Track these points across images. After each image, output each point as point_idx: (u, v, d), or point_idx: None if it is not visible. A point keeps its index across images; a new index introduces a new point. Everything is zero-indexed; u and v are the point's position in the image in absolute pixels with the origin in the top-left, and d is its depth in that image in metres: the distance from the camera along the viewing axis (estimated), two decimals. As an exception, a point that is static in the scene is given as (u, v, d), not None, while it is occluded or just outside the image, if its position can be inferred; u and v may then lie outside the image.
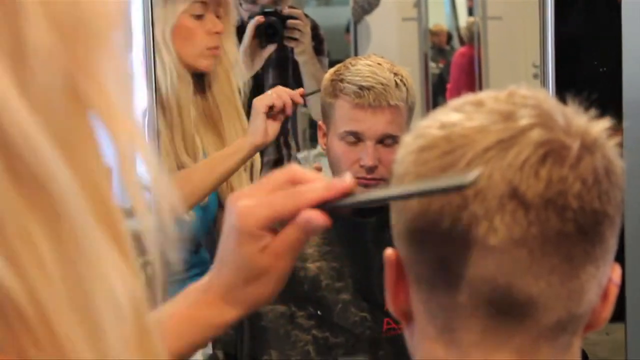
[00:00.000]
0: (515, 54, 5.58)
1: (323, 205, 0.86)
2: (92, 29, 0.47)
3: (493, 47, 5.73)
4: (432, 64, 6.14)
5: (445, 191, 0.76)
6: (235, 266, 0.91)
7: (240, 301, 0.93)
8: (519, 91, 0.82)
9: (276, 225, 0.89)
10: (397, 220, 0.82)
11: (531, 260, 0.76)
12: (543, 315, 0.78)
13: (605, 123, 0.80)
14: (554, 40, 1.86)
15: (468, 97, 0.83)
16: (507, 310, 0.77)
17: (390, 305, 0.86)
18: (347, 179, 0.86)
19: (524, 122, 0.77)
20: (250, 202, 0.89)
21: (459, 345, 0.80)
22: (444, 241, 0.77)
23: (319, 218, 0.86)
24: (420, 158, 0.80)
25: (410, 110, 1.92)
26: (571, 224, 0.75)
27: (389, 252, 0.84)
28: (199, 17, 2.26)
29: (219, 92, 2.34)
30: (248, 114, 2.71)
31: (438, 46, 6.85)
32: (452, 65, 6.35)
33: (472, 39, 5.94)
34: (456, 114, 0.80)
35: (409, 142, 0.82)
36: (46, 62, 0.45)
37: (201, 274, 0.99)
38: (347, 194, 0.86)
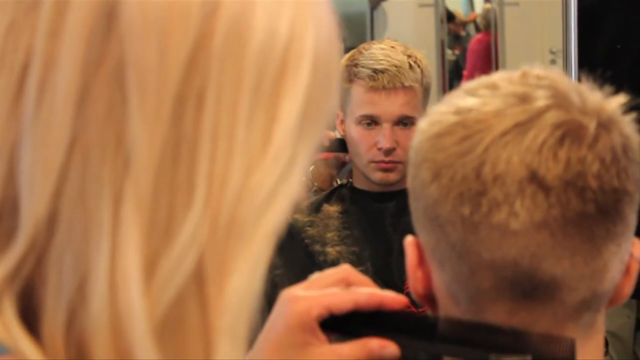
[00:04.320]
0: (532, 40, 5.56)
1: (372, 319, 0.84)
2: (245, 231, 0.49)
3: (510, 33, 5.71)
4: (448, 51, 6.13)
5: None
6: (277, 354, 0.86)
7: None
8: (532, 71, 0.82)
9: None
10: (416, 207, 0.82)
11: (553, 242, 0.76)
12: (567, 295, 0.78)
13: (620, 99, 0.80)
14: (576, 22, 1.85)
15: (481, 80, 0.83)
16: (531, 292, 0.77)
17: (412, 290, 0.86)
18: (402, 297, 0.85)
19: (539, 103, 0.77)
20: (303, 292, 0.86)
21: None
22: (465, 227, 0.77)
23: (393, 349, 0.83)
24: (437, 145, 0.79)
25: (426, 91, 1.92)
26: (592, 204, 0.75)
27: (409, 238, 0.84)
28: None
29: None
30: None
31: (454, 33, 6.84)
32: (468, 52, 6.34)
33: (489, 25, 5.92)
34: (471, 99, 0.80)
35: (424, 129, 0.81)
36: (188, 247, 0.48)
37: None
38: (401, 308, 0.84)
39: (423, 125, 0.82)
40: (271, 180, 0.49)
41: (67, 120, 0.47)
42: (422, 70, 1.90)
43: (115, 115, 0.47)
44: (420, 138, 0.82)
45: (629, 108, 0.80)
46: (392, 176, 1.90)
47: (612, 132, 0.77)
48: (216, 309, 0.48)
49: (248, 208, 0.48)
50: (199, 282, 0.48)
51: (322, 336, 0.84)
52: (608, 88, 0.80)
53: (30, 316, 0.49)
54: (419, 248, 0.84)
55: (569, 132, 0.76)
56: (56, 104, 0.47)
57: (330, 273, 0.88)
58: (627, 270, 0.81)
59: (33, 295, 0.49)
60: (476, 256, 0.77)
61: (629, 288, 0.82)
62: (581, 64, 1.76)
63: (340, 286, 0.86)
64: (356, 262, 1.89)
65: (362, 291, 0.85)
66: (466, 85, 0.83)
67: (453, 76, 6.29)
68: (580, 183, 0.75)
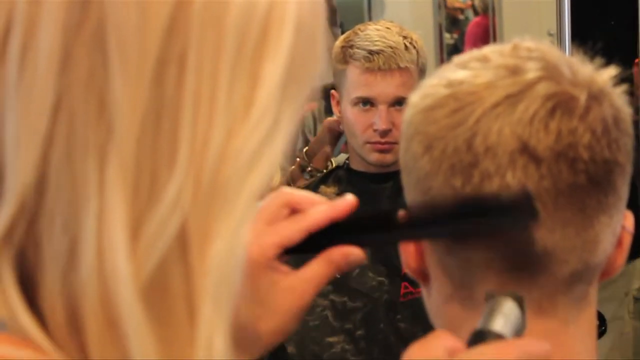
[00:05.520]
0: (530, 24, 5.55)
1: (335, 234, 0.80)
2: (228, 195, 0.49)
3: (507, 16, 5.70)
4: (446, 35, 6.12)
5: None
6: (243, 303, 0.80)
7: (248, 344, 0.82)
8: (523, 44, 0.82)
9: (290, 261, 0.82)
10: (408, 180, 0.82)
11: (545, 213, 0.76)
12: (559, 267, 0.78)
13: (611, 71, 0.80)
14: (569, 3, 1.85)
15: (473, 53, 0.83)
16: (522, 264, 0.78)
17: (405, 264, 0.86)
18: (349, 198, 0.82)
19: (530, 75, 0.77)
20: (251, 233, 0.79)
21: (475, 302, 0.80)
22: (456, 199, 0.77)
23: (358, 254, 0.80)
24: (428, 117, 0.79)
25: (422, 72, 1.92)
26: (583, 175, 0.75)
27: (400, 213, 0.84)
28: None
29: None
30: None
31: (452, 16, 6.82)
32: (466, 36, 6.33)
33: (487, 8, 5.91)
34: (462, 71, 0.80)
35: (416, 102, 0.82)
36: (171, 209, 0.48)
37: None
38: (352, 212, 0.81)
39: (414, 98, 0.82)
40: (254, 143, 0.49)
41: (50, 83, 0.47)
42: (417, 51, 1.90)
43: (97, 79, 0.47)
44: (411, 111, 0.82)
45: (620, 80, 0.80)
46: (389, 157, 1.90)
47: (603, 104, 0.77)
48: (199, 272, 0.49)
49: (231, 171, 0.49)
50: (183, 245, 0.48)
51: (283, 268, 0.82)
52: (599, 60, 0.80)
53: (25, 286, 0.49)
54: None
55: (560, 104, 0.76)
56: (38, 68, 0.47)
57: (270, 201, 0.83)
58: (619, 243, 0.81)
59: (26, 265, 0.49)
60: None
61: (621, 260, 0.82)
62: (575, 44, 1.77)
63: (286, 212, 0.82)
64: (353, 244, 1.89)
65: (310, 215, 0.81)
66: (457, 58, 0.83)
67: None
68: (571, 154, 0.75)
